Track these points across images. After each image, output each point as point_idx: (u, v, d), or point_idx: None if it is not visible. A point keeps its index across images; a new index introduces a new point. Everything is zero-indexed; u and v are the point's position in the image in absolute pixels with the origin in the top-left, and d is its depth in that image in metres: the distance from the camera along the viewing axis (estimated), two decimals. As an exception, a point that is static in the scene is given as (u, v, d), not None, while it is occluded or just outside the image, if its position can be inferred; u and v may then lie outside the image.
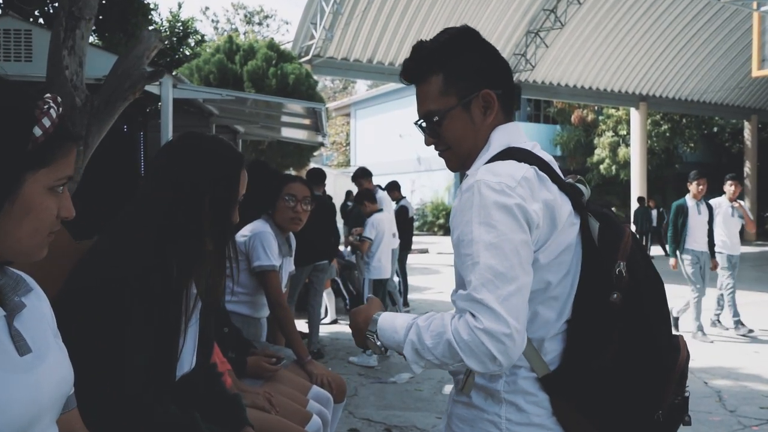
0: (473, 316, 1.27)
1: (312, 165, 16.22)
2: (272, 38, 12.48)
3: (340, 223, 9.05)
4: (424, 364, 1.36)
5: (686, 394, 1.47)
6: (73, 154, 1.22)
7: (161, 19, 15.06)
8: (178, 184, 1.70)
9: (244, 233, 3.09)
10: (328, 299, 8.33)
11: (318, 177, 6.62)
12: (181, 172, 1.72)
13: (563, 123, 28.37)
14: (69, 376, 1.28)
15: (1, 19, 4.89)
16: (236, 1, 45.10)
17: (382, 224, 6.26)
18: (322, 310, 8.32)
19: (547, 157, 1.52)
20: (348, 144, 37.84)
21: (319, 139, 7.52)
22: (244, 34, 35.65)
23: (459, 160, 1.56)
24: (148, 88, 5.01)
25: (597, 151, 26.74)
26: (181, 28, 14.66)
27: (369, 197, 6.53)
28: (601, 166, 26.38)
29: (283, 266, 3.19)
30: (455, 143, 1.53)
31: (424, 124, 1.56)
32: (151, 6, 14.98)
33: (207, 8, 52.15)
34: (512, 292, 1.28)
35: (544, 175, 1.43)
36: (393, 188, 8.60)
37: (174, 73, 5.24)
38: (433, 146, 1.57)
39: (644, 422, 1.44)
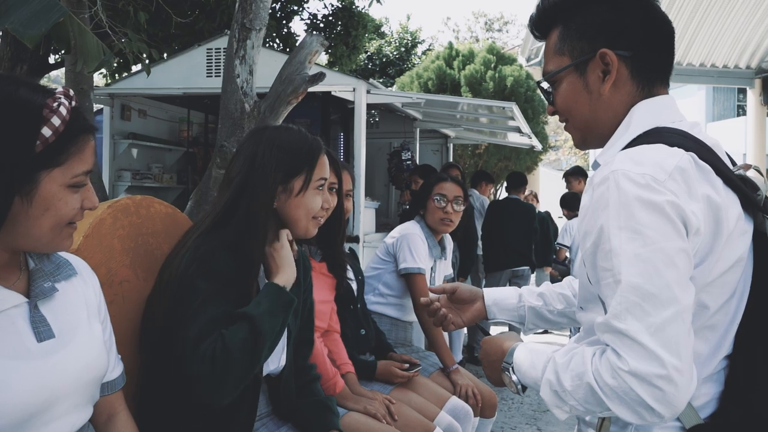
0: (616, 353, 1.02)
1: (542, 169, 15.79)
2: (493, 42, 12.39)
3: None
4: (569, 410, 1.12)
5: None
6: (91, 147, 1.22)
7: (391, 32, 15.84)
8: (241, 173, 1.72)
9: (393, 234, 3.04)
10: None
11: (517, 181, 6.34)
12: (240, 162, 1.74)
13: None
14: (97, 362, 1.30)
15: (223, 38, 5.41)
16: (477, 10, 45.65)
17: (581, 229, 5.81)
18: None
19: (711, 140, 1.18)
20: (587, 148, 36.27)
21: (525, 139, 7.22)
22: (483, 41, 36.11)
23: (577, 134, 1.31)
24: (341, 94, 5.22)
25: None
26: (410, 38, 15.20)
27: (566, 203, 6.12)
28: None
29: (435, 269, 3.08)
30: (567, 113, 1.29)
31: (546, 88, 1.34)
32: (382, 21, 15.79)
33: (449, 18, 53.65)
34: (668, 319, 0.99)
35: (705, 164, 1.09)
36: None
37: (367, 80, 5.37)
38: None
39: None
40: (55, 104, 1.14)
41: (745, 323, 1.11)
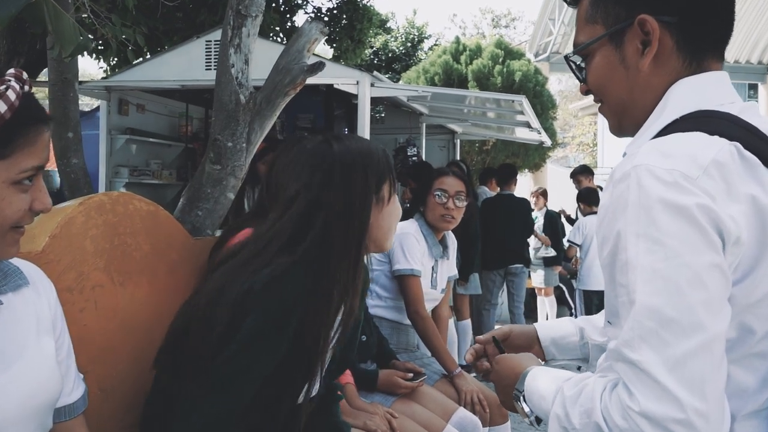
0: (627, 389, 0.86)
1: (550, 166, 15.58)
2: (500, 36, 12.22)
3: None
4: None
5: None
6: (43, 140, 1.06)
7: (397, 27, 15.67)
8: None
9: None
10: (549, 307, 7.86)
11: (507, 174, 6.12)
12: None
13: None
14: (48, 385, 1.13)
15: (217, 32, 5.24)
16: (484, 6, 45.47)
17: (593, 228, 5.63)
18: (543, 318, 7.91)
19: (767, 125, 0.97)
20: (595, 145, 36.05)
21: (534, 135, 7.02)
22: (491, 37, 35.91)
23: (613, 118, 1.11)
24: (345, 86, 5.04)
25: None
26: (416, 33, 15.01)
27: (582, 197, 5.92)
28: None
29: (437, 269, 2.89)
30: (600, 92, 1.10)
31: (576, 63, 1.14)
32: (388, 15, 15.60)
33: (455, 15, 53.38)
34: (691, 351, 0.82)
35: (752, 156, 0.90)
36: None
37: (371, 73, 5.19)
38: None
39: None
40: (2, 87, 0.98)
41: None
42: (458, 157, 8.04)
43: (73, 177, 2.83)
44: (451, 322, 5.48)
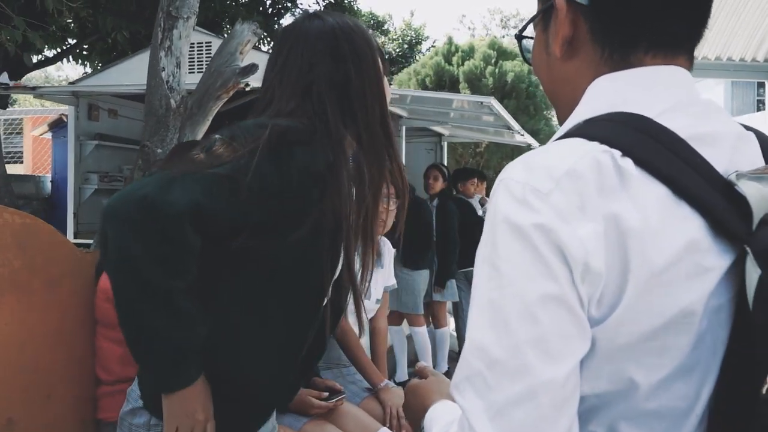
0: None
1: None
2: (494, 37, 12.04)
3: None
4: None
5: None
6: None
7: (395, 29, 15.53)
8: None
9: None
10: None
11: (458, 177, 5.93)
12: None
13: None
14: None
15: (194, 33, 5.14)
16: (493, 7, 45.35)
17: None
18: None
19: (708, 128, 0.76)
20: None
21: (522, 138, 6.86)
22: (501, 38, 35.81)
23: (556, 111, 0.94)
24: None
25: None
26: (413, 35, 14.88)
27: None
28: None
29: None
30: (539, 79, 0.95)
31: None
32: (385, 17, 15.47)
33: (464, 16, 53.17)
34: (515, 399, 0.68)
35: (633, 166, 0.71)
36: None
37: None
38: None
39: None
40: None
41: (721, 410, 0.72)
42: (445, 161, 7.90)
43: (-8, 186, 2.72)
44: (425, 329, 5.34)
